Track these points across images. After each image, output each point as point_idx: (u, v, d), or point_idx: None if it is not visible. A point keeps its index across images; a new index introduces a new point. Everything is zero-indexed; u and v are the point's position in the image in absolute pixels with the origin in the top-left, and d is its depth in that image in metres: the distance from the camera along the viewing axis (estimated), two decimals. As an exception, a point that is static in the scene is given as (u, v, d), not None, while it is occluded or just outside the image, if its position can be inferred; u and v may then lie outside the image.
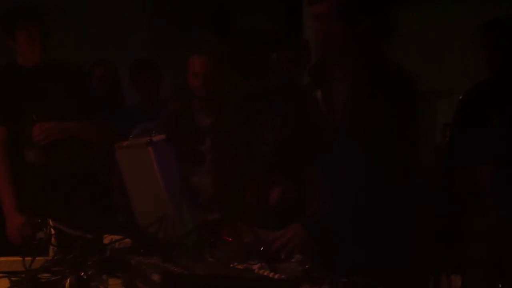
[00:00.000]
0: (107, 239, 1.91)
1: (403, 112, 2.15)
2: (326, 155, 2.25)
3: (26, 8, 3.17)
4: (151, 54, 5.52)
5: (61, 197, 3.06)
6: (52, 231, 1.96)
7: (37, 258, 1.79)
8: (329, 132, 2.23)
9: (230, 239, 2.17)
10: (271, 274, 1.59)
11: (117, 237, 1.89)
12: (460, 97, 3.59)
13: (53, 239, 1.97)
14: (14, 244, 2.88)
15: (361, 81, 2.16)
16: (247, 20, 7.06)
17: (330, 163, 2.23)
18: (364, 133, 2.12)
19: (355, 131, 2.15)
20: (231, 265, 1.74)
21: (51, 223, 1.97)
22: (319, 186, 2.35)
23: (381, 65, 2.19)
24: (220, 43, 5.58)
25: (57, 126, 3.08)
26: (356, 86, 2.17)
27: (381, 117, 2.11)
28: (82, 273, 1.53)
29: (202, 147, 3.21)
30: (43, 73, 3.15)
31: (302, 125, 2.45)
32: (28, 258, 1.78)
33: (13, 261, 1.87)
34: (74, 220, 2.14)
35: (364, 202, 2.09)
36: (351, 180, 2.13)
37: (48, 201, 3.01)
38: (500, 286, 3.17)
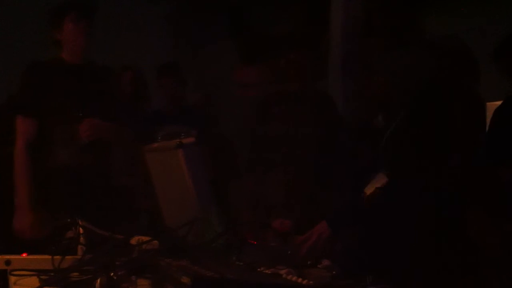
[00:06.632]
0: (134, 240, 1.92)
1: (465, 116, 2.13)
2: (361, 155, 2.24)
3: (80, 2, 3.16)
4: (175, 58, 5.53)
5: (92, 198, 3.06)
6: (81, 231, 1.97)
7: (66, 257, 1.81)
8: (371, 136, 2.21)
9: (255, 242, 2.17)
10: (299, 280, 1.60)
11: (145, 238, 1.90)
12: (499, 105, 3.55)
13: (81, 239, 1.98)
14: (22, 239, 2.92)
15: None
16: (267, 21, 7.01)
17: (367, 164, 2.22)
18: (424, 138, 2.09)
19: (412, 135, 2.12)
20: (259, 270, 1.75)
21: (80, 222, 1.99)
22: (345, 185, 2.35)
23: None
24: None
25: (103, 125, 3.06)
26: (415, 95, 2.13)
27: (438, 123, 2.08)
28: (112, 274, 1.54)
29: (273, 154, 3.03)
30: (84, 72, 3.13)
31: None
32: (58, 257, 1.80)
33: (42, 260, 1.88)
34: (103, 221, 2.14)
35: (399, 202, 2.08)
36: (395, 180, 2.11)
37: (79, 201, 3.02)
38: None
